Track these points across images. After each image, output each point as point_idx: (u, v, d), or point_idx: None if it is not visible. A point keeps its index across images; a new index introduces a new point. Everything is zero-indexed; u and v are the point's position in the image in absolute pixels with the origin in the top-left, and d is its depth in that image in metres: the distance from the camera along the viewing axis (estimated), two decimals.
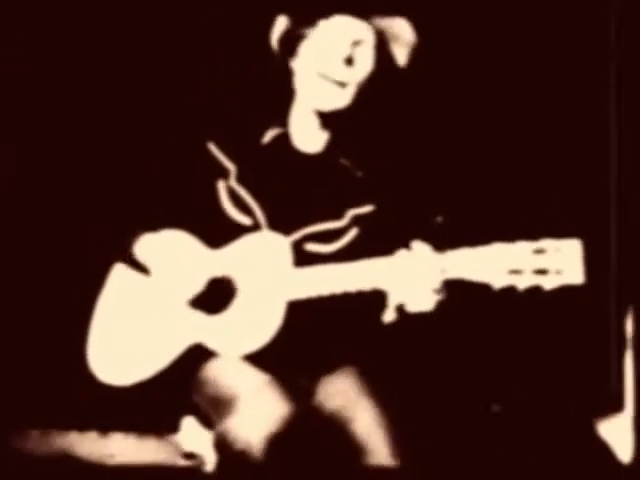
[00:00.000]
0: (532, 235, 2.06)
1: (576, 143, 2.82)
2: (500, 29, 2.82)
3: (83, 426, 2.67)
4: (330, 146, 2.34)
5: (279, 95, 2.31)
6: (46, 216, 2.85)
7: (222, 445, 2.10)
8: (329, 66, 2.23)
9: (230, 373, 2.20)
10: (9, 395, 2.67)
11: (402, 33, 2.27)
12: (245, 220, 2.29)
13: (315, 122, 2.31)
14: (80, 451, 2.61)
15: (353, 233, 2.30)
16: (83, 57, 2.86)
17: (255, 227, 2.29)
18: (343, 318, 2.27)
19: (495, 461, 2.62)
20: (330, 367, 2.29)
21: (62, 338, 2.69)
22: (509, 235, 2.08)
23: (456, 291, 2.10)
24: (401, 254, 2.12)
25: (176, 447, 2.36)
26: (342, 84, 2.23)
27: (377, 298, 2.17)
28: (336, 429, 2.17)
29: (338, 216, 2.29)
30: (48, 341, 2.84)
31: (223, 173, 2.32)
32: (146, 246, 2.32)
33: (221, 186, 2.32)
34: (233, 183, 2.31)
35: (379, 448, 2.11)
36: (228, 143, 2.33)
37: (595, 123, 2.80)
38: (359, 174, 2.34)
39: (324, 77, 2.24)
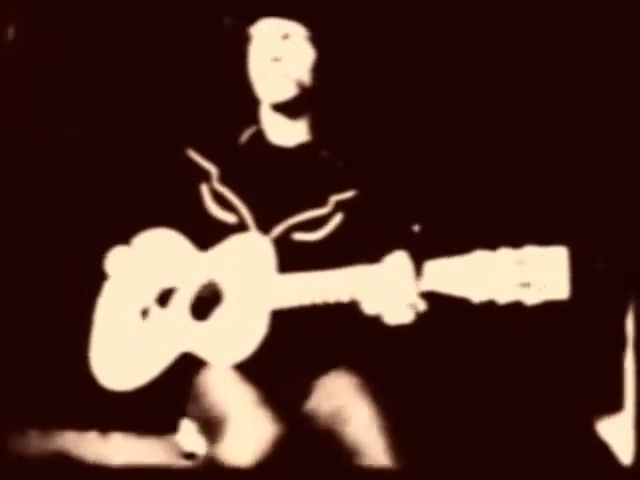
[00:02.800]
0: (515, 239, 1.91)
1: (563, 142, 2.69)
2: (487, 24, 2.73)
3: (82, 428, 2.68)
4: (304, 137, 2.36)
5: (249, 94, 2.34)
6: (46, 221, 2.85)
7: (212, 468, 2.09)
8: (262, 65, 2.30)
9: (219, 391, 2.18)
10: (9, 395, 2.67)
11: None
12: (230, 218, 2.32)
13: (282, 116, 2.34)
14: (80, 451, 2.61)
15: (338, 219, 2.29)
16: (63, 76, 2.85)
17: (241, 224, 2.31)
18: (327, 326, 2.22)
19: (493, 462, 2.56)
20: (317, 375, 2.26)
21: (63, 339, 2.70)
22: (491, 239, 1.93)
23: (434, 304, 1.99)
24: (379, 265, 2.06)
25: (176, 447, 2.36)
26: (278, 78, 2.28)
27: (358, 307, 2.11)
28: (332, 431, 2.14)
29: (321, 203, 2.30)
30: (48, 342, 2.83)
31: (205, 176, 2.37)
32: (137, 247, 2.37)
33: (204, 188, 2.36)
34: (215, 184, 2.35)
35: (375, 449, 2.07)
36: (207, 147, 2.39)
37: (581, 123, 2.68)
38: (337, 161, 2.35)
39: (262, 76, 2.31)
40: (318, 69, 2.28)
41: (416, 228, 2.09)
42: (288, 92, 2.28)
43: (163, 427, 2.40)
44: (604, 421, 2.64)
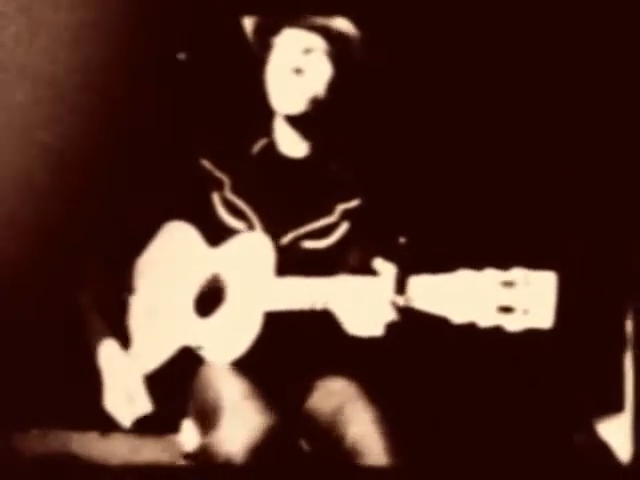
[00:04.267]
0: (502, 260, 1.84)
1: (561, 169, 2.66)
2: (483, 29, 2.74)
3: (83, 422, 2.72)
4: (314, 149, 2.42)
5: (264, 105, 2.38)
6: (58, 225, 2.87)
7: (205, 458, 2.10)
8: (281, 76, 2.33)
9: (215, 384, 2.20)
10: (9, 395, 2.70)
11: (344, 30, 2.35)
12: (241, 226, 2.36)
13: (293, 128, 2.39)
14: (80, 451, 2.66)
15: (344, 227, 2.35)
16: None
17: (250, 230, 2.36)
18: (318, 329, 2.20)
19: (493, 462, 2.57)
20: (306, 376, 2.28)
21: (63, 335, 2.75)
22: (477, 259, 1.86)
23: (412, 320, 1.95)
24: (363, 277, 2.06)
25: (176, 447, 2.37)
26: (296, 91, 2.32)
27: None
28: (331, 430, 2.16)
29: (329, 212, 2.35)
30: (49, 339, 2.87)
31: (218, 185, 2.41)
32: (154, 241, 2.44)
33: (216, 197, 2.39)
34: (227, 193, 2.39)
35: (375, 449, 2.08)
36: (220, 158, 2.44)
37: (573, 137, 2.67)
38: (344, 172, 2.42)
39: (279, 87, 2.34)
40: (333, 84, 2.34)
41: (402, 240, 2.04)
42: (302, 105, 2.32)
43: (162, 424, 2.41)
44: (604, 422, 2.63)
